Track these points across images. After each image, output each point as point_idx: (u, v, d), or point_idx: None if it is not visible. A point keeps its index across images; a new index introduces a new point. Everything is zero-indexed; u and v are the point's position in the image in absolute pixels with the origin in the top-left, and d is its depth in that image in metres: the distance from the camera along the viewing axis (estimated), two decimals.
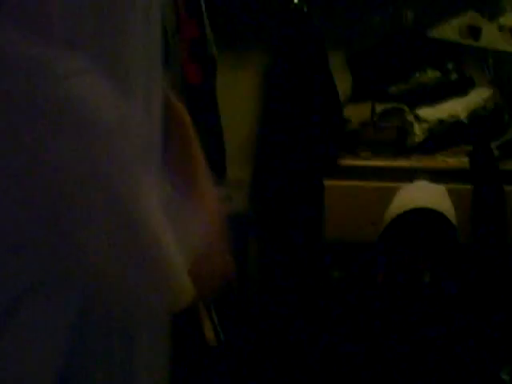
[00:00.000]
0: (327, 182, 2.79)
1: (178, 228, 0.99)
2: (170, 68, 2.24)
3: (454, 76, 2.94)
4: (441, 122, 2.81)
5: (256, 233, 3.19)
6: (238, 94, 3.12)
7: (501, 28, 2.89)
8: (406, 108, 2.87)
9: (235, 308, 2.84)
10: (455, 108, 2.82)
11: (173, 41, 2.25)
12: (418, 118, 2.84)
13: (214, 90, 2.63)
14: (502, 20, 2.83)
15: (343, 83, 2.98)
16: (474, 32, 2.92)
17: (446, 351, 2.11)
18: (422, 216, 2.14)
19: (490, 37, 2.84)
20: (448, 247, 2.13)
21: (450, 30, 2.93)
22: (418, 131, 2.83)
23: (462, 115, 2.80)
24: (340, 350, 2.17)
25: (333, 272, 2.60)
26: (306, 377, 2.29)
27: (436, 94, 2.90)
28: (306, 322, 2.40)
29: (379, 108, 2.87)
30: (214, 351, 2.57)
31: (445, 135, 2.82)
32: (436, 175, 2.71)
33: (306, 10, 2.84)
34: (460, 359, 2.09)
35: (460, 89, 2.91)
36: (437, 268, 2.09)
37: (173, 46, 2.26)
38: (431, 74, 2.92)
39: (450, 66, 2.96)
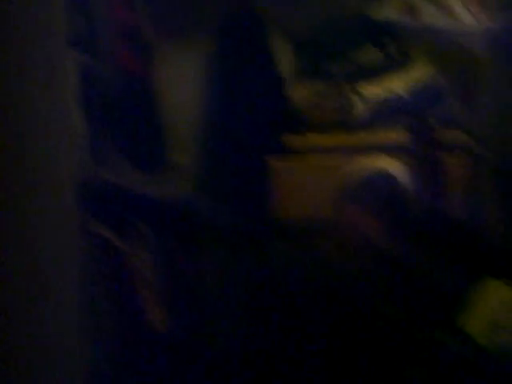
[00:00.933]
0: (272, 164, 2.79)
1: None
2: (101, 54, 2.20)
3: (393, 52, 2.96)
4: (382, 98, 2.83)
5: (204, 218, 3.17)
6: (181, 78, 3.11)
7: (439, 6, 2.92)
8: (347, 86, 2.89)
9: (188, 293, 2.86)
10: (396, 84, 2.84)
11: (103, 25, 2.21)
12: (359, 96, 2.86)
13: (152, 77, 2.60)
14: None
15: (286, 63, 3.00)
16: (413, 10, 2.94)
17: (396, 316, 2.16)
18: (376, 179, 2.14)
19: (429, 15, 2.86)
20: (401, 211, 2.13)
21: (388, 9, 2.95)
22: (361, 109, 2.85)
23: (403, 91, 2.82)
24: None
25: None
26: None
27: (376, 71, 2.92)
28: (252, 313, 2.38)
29: (322, 87, 2.88)
30: (163, 338, 2.61)
31: (386, 112, 2.84)
32: (379, 151, 2.76)
33: None
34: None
35: (400, 65, 2.93)
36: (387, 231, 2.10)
37: (103, 30, 2.22)
38: (371, 52, 2.94)
39: (389, 42, 2.98)
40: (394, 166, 2.20)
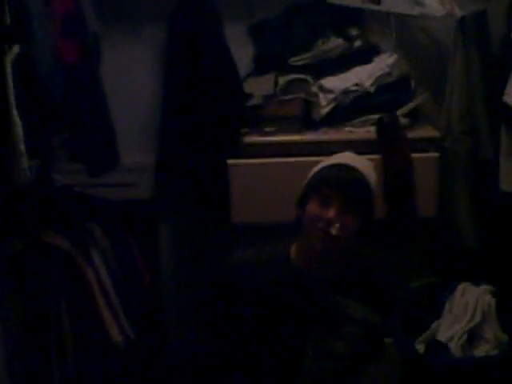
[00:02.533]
0: (231, 161, 2.65)
1: None
2: (39, 45, 2.06)
3: (357, 43, 2.84)
4: (346, 91, 2.70)
5: (164, 218, 3.07)
6: (136, 72, 2.98)
7: None
8: (309, 79, 2.75)
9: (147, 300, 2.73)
10: (360, 76, 2.71)
11: (42, 15, 2.06)
12: (322, 89, 2.73)
13: (97, 69, 2.45)
14: None
15: (245, 56, 2.86)
16: None
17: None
18: (339, 170, 2.07)
19: (392, 0, 2.74)
20: (361, 202, 2.04)
21: None
22: (323, 102, 2.72)
23: (367, 83, 2.69)
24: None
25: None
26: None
27: (340, 63, 2.79)
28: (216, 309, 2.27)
29: (282, 80, 2.74)
30: (124, 353, 2.49)
31: (351, 105, 2.71)
32: (343, 147, 2.63)
33: None
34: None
35: (364, 56, 2.80)
36: (346, 222, 2.00)
37: (42, 20, 2.07)
38: (334, 42, 2.81)
39: (353, 32, 2.85)
40: (357, 160, 2.11)
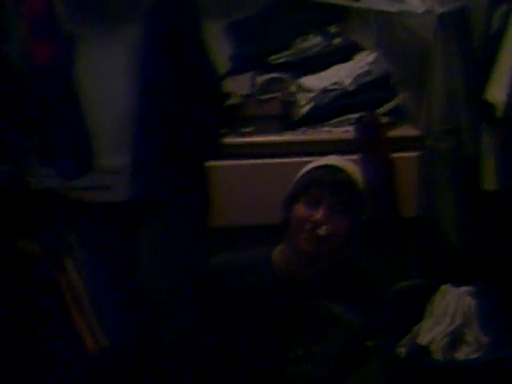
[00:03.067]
0: (209, 163, 2.58)
1: None
2: (12, 47, 2.01)
3: (337, 41, 2.80)
4: (325, 90, 2.66)
5: (142, 222, 3.01)
6: (111, 73, 2.90)
7: None
8: (288, 78, 2.71)
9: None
10: (339, 75, 2.68)
11: (13, 15, 2.01)
12: (301, 88, 2.69)
13: (70, 70, 2.39)
14: None
15: (222, 54, 2.80)
16: None
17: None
18: (328, 171, 2.06)
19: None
20: (350, 203, 2.02)
21: None
22: (302, 102, 2.67)
23: (347, 82, 2.65)
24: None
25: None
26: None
27: (319, 61, 2.75)
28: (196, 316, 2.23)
29: (260, 79, 2.70)
30: (98, 359, 2.43)
31: (330, 105, 2.67)
32: (322, 147, 2.60)
33: None
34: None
35: (344, 54, 2.76)
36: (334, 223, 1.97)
37: (14, 21, 2.02)
38: (313, 40, 2.77)
39: (332, 30, 2.81)
40: (344, 162, 2.08)
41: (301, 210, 2.01)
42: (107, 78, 2.88)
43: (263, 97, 2.68)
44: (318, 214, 1.97)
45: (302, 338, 2.03)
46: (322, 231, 1.97)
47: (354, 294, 2.08)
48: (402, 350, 2.24)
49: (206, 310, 2.12)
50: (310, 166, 2.11)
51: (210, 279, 2.10)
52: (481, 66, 2.47)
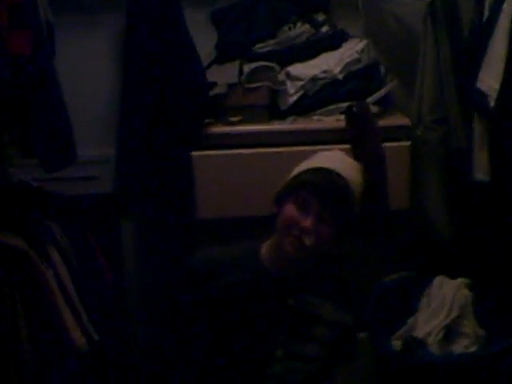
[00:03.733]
0: (195, 153, 2.54)
1: None
2: None
3: (324, 29, 2.74)
4: (314, 78, 2.60)
5: (127, 213, 2.96)
6: (94, 62, 2.86)
7: None
8: (276, 66, 2.65)
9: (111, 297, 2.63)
10: (328, 63, 2.62)
11: None
12: (289, 76, 2.63)
13: (50, 60, 2.33)
14: None
15: (207, 43, 2.75)
16: None
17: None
18: (320, 175, 1.95)
19: None
20: (340, 211, 1.93)
21: None
22: (291, 90, 2.62)
23: (336, 70, 2.60)
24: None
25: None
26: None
27: (307, 49, 2.69)
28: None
29: (247, 68, 2.64)
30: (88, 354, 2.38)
31: (319, 93, 2.62)
32: (312, 136, 2.55)
33: None
34: None
35: (332, 42, 2.70)
36: (321, 232, 1.91)
37: None
38: (300, 28, 2.71)
39: (319, 18, 2.76)
40: (344, 163, 2.01)
41: (290, 210, 1.93)
42: (89, 67, 2.85)
43: (250, 85, 2.62)
44: (307, 222, 1.90)
45: (288, 336, 1.98)
46: (307, 241, 1.90)
47: (339, 291, 2.03)
48: (397, 344, 2.20)
49: (188, 306, 2.05)
50: (306, 164, 2.02)
51: (195, 274, 2.03)
52: (472, 53, 2.44)
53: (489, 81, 2.32)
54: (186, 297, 2.04)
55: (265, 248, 2.03)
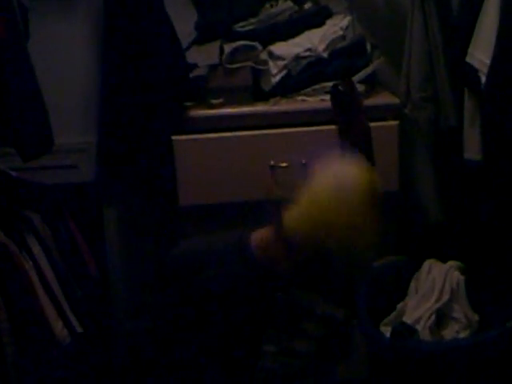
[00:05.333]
0: (176, 138, 2.46)
1: None
2: None
3: (307, 5, 2.66)
4: (297, 57, 2.52)
5: (109, 202, 2.89)
6: (71, 47, 2.77)
7: None
8: (258, 45, 2.57)
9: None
10: (312, 41, 2.54)
11: None
12: (272, 56, 2.55)
13: (25, 44, 2.24)
14: None
15: (186, 23, 2.67)
16: None
17: None
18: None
19: None
20: None
21: None
22: (274, 70, 2.54)
23: (320, 48, 2.52)
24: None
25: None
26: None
27: (290, 27, 2.61)
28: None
29: (228, 48, 2.55)
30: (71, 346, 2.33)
31: (303, 72, 2.54)
32: (296, 117, 2.48)
33: None
34: None
35: (316, 19, 2.62)
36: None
37: None
38: (283, 5, 2.63)
39: None
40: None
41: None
42: (66, 52, 2.76)
43: (232, 66, 2.54)
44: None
45: (278, 331, 1.91)
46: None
47: (330, 285, 1.98)
48: (386, 330, 2.13)
49: (171, 300, 1.97)
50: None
51: (177, 269, 1.94)
52: (462, 28, 2.35)
53: (479, 56, 2.24)
54: (169, 293, 1.95)
55: (255, 237, 1.94)
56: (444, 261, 2.29)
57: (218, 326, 1.90)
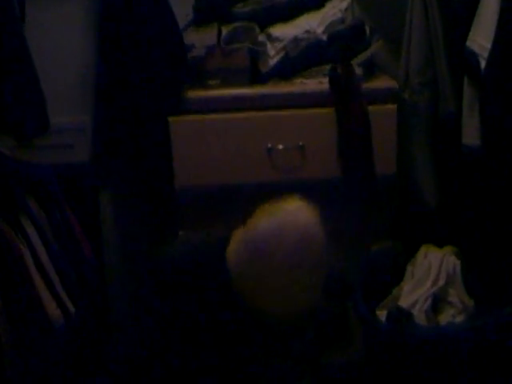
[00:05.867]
0: (172, 119, 2.45)
1: None
2: None
3: None
4: (296, 39, 2.50)
5: (105, 183, 2.87)
6: (68, 26, 2.74)
7: None
8: (256, 27, 2.55)
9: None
10: (311, 23, 2.51)
11: None
12: (270, 37, 2.53)
13: (21, 26, 2.23)
14: None
15: (185, 4, 2.63)
16: None
17: None
18: None
19: None
20: None
21: None
22: (272, 52, 2.52)
23: (319, 30, 2.50)
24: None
25: None
26: None
27: (288, 9, 2.58)
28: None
29: (226, 29, 2.54)
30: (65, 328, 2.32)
31: (302, 55, 2.52)
32: (294, 100, 2.46)
33: None
34: None
35: (315, 1, 2.59)
36: None
37: None
38: None
39: None
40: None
41: None
42: (62, 32, 2.74)
43: (229, 47, 2.52)
44: None
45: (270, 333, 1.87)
46: None
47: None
48: (382, 314, 2.12)
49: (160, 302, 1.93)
50: None
51: (167, 268, 1.90)
52: (462, 12, 2.33)
53: (480, 40, 2.22)
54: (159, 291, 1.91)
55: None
56: (440, 245, 2.29)
57: (208, 325, 1.86)
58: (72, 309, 2.34)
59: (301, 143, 2.42)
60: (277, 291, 1.72)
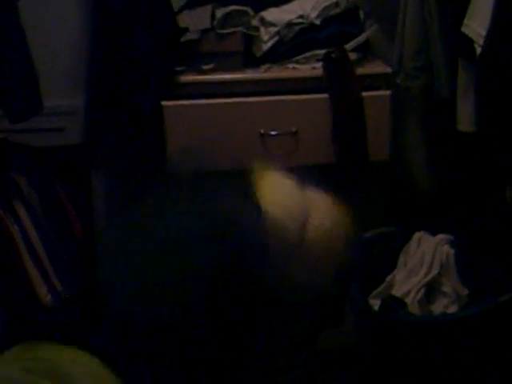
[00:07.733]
0: (165, 103, 2.42)
1: None
2: None
3: None
4: (289, 24, 2.48)
5: (97, 165, 2.85)
6: (60, 8, 2.70)
7: None
8: (250, 10, 2.52)
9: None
10: (304, 7, 2.49)
11: None
12: (263, 22, 2.51)
13: (15, 6, 2.20)
14: None
15: None
16: None
17: None
18: None
19: None
20: None
21: None
22: (265, 36, 2.50)
23: (313, 15, 2.47)
24: None
25: None
26: None
27: None
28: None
29: (220, 13, 2.51)
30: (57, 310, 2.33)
31: (295, 39, 2.50)
32: (288, 85, 2.44)
33: None
34: None
35: None
36: None
37: None
38: None
39: None
40: None
41: None
42: (55, 14, 2.70)
43: (223, 31, 2.49)
44: None
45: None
46: None
47: None
48: (375, 302, 2.11)
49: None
50: None
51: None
52: None
53: (475, 27, 2.21)
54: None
55: None
56: (434, 231, 2.28)
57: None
58: (64, 294, 2.35)
59: (294, 129, 2.40)
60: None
